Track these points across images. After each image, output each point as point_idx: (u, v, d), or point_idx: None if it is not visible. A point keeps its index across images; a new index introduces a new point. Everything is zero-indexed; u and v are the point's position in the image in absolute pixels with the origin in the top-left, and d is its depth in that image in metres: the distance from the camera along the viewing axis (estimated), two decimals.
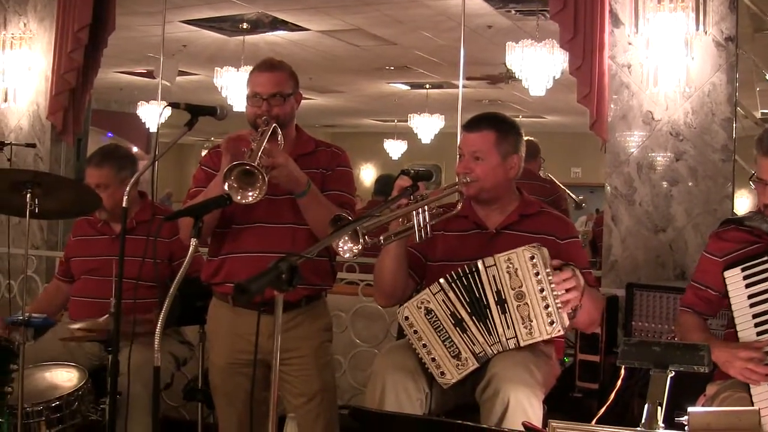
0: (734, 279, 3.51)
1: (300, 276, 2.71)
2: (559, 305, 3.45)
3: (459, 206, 3.72)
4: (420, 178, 3.53)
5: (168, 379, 4.70)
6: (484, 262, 3.52)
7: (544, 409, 3.47)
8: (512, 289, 3.48)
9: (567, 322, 3.49)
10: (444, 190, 3.73)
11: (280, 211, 3.95)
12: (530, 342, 3.49)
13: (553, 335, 3.50)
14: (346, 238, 3.18)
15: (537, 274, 3.45)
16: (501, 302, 3.50)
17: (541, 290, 3.45)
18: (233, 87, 11.16)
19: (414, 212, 3.47)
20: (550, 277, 3.45)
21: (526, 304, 3.47)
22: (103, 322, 4.18)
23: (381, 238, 3.41)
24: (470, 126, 3.88)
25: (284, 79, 4.05)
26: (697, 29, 5.33)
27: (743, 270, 3.49)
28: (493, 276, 3.51)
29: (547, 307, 3.45)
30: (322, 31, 10.92)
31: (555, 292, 3.45)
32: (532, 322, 3.47)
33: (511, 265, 3.48)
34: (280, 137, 3.91)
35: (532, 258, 3.46)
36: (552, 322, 3.45)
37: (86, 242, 4.96)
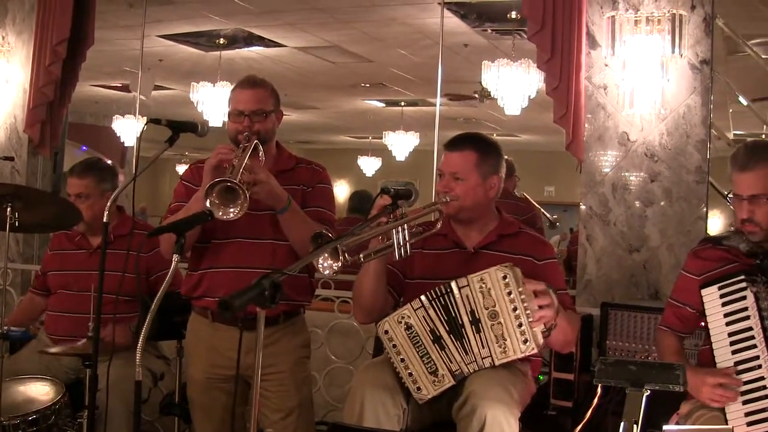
0: (711, 297, 3.55)
1: (283, 293, 2.74)
2: (533, 323, 3.48)
3: (438, 225, 3.75)
4: (400, 197, 3.56)
5: (145, 394, 4.70)
6: (457, 283, 3.55)
7: (520, 427, 3.50)
8: (486, 309, 3.51)
9: (541, 341, 3.53)
10: (424, 209, 3.76)
11: (261, 226, 3.97)
12: (505, 361, 3.51)
13: (527, 353, 3.52)
14: (327, 255, 3.20)
15: (510, 293, 3.48)
16: (475, 322, 3.53)
17: (514, 309, 3.48)
18: (209, 102, 11.15)
19: (393, 230, 3.50)
20: (522, 296, 3.48)
21: (500, 323, 3.49)
22: (81, 346, 4.17)
23: (361, 255, 3.43)
24: (452, 146, 3.91)
25: (266, 97, 4.08)
26: (673, 52, 5.38)
27: (720, 288, 3.53)
28: (467, 296, 3.54)
29: (520, 326, 3.47)
30: (299, 48, 10.94)
31: (528, 311, 3.47)
32: (506, 341, 3.49)
33: (483, 285, 3.51)
34: (261, 154, 3.94)
35: (504, 277, 3.49)
36: (526, 341, 3.48)
37: (63, 256, 4.95)
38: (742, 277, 3.49)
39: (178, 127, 3.89)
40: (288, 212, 3.87)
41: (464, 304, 3.54)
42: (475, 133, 4.01)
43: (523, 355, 3.52)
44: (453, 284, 3.56)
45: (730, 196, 3.63)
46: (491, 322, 3.51)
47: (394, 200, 3.56)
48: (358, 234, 3.30)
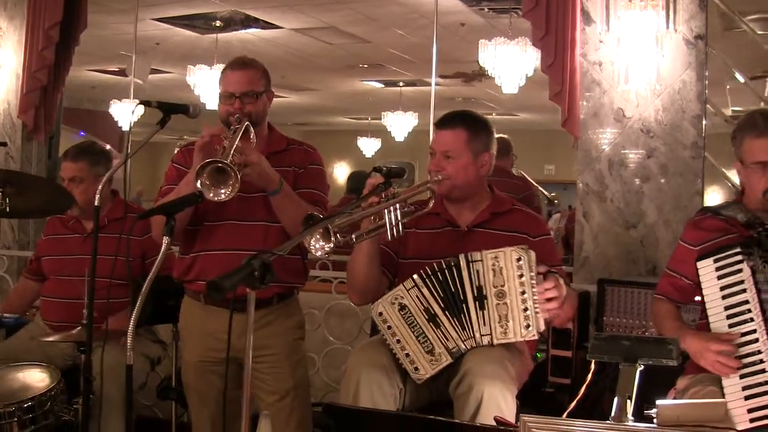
0: (707, 270, 3.50)
1: (273, 273, 2.72)
2: (538, 310, 3.47)
3: (431, 204, 3.73)
4: (392, 175, 3.54)
5: (142, 378, 4.70)
6: (468, 257, 3.54)
7: (517, 404, 3.49)
8: (494, 287, 3.51)
9: (543, 327, 3.52)
10: (416, 188, 3.75)
11: (253, 208, 3.96)
12: (504, 341, 3.51)
13: (527, 338, 3.52)
14: (318, 236, 3.19)
15: (521, 276, 3.47)
16: (481, 298, 3.52)
17: (523, 293, 3.47)
18: (206, 85, 11.12)
19: (386, 210, 3.48)
20: (533, 281, 3.48)
21: (506, 303, 3.49)
22: (77, 333, 4.15)
23: (353, 236, 3.42)
24: (442, 124, 3.90)
25: (257, 77, 4.05)
26: (668, 27, 5.36)
27: (716, 261, 3.47)
28: (477, 271, 3.53)
29: (525, 310, 3.47)
30: (296, 29, 10.90)
31: (535, 297, 3.47)
32: (508, 322, 3.49)
33: (496, 263, 3.50)
34: (252, 135, 3.91)
35: (518, 259, 3.48)
36: (528, 326, 3.47)
37: (58, 241, 4.94)
38: (738, 249, 3.43)
39: (168, 109, 3.87)
40: (280, 194, 3.85)
41: (471, 280, 3.53)
42: (466, 111, 3.98)
43: (522, 339, 3.52)
44: (462, 258, 3.55)
45: (747, 166, 3.56)
46: (497, 301, 3.50)
47: (387, 179, 3.55)
48: (349, 214, 3.29)
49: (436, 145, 3.85)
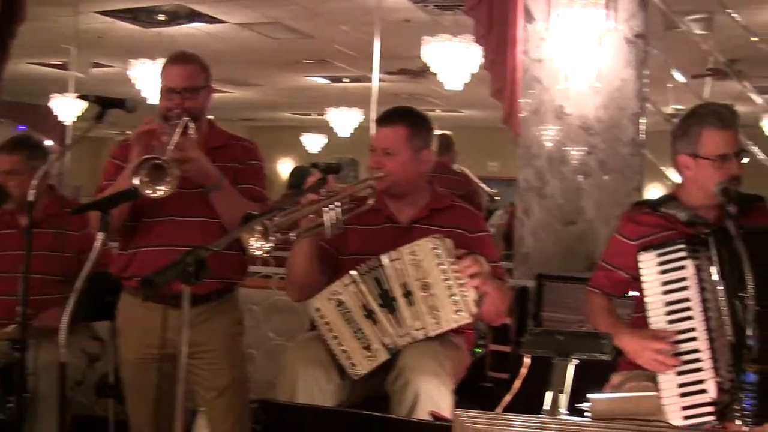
0: (648, 264, 3.48)
1: (207, 269, 2.71)
2: (465, 293, 3.49)
3: (370, 201, 3.74)
4: (329, 170, 3.54)
5: (79, 376, 4.64)
6: (389, 256, 3.55)
7: (456, 399, 3.50)
8: (417, 281, 3.51)
9: (474, 310, 3.52)
10: (356, 186, 3.74)
11: (192, 204, 3.93)
12: (439, 331, 3.51)
13: (461, 323, 3.53)
14: (257, 235, 3.18)
15: (440, 264, 3.48)
16: (408, 294, 3.53)
17: (446, 280, 3.48)
18: (147, 79, 11.03)
19: (326, 207, 3.48)
20: (453, 267, 3.48)
21: (433, 294, 3.50)
22: (11, 331, 4.10)
23: (292, 234, 3.41)
24: (382, 121, 3.90)
25: (196, 72, 4.03)
26: (608, 26, 5.41)
27: (659, 255, 3.46)
28: (399, 269, 3.53)
29: (452, 296, 3.48)
30: (240, 24, 10.87)
31: (460, 281, 3.48)
32: (439, 312, 3.50)
33: (414, 257, 3.51)
34: (191, 131, 3.88)
35: (434, 249, 3.49)
36: (458, 311, 3.48)
37: None
38: (683, 246, 3.42)
39: (105, 103, 3.82)
40: (219, 190, 3.84)
41: (397, 277, 3.54)
42: (406, 108, 3.99)
43: (456, 324, 3.53)
44: (384, 257, 3.55)
45: (704, 158, 3.54)
46: (423, 293, 3.50)
47: (325, 173, 3.55)
48: (288, 212, 3.28)
49: (377, 142, 3.86)
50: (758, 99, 7.09)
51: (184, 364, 2.81)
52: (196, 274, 2.66)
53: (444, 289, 3.49)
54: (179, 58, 4.06)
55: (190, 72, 4.01)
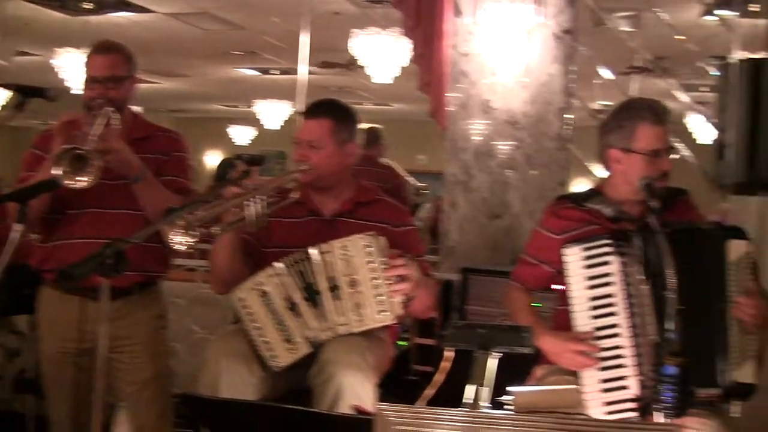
0: (574, 258, 3.46)
1: (127, 262, 2.68)
2: (392, 294, 3.49)
3: (295, 193, 3.72)
4: (253, 162, 3.53)
5: None
6: (319, 248, 3.53)
7: (380, 393, 3.50)
8: (345, 276, 3.51)
9: (399, 312, 3.53)
10: (280, 178, 3.73)
11: (114, 196, 3.88)
12: (361, 329, 3.52)
13: (384, 324, 3.54)
14: (178, 229, 3.15)
15: (371, 263, 3.48)
16: (334, 288, 3.52)
17: (374, 279, 3.48)
18: (72, 68, 10.88)
19: (249, 200, 3.46)
20: (383, 267, 3.49)
21: (359, 292, 3.50)
22: None
23: (214, 228, 3.39)
24: (308, 113, 3.89)
25: (120, 62, 3.98)
26: (536, 21, 5.44)
27: (584, 250, 3.44)
28: (329, 262, 3.52)
29: (379, 295, 3.48)
30: (169, 14, 10.77)
31: (388, 281, 3.48)
32: (364, 310, 3.50)
33: (345, 252, 3.50)
34: (115, 121, 3.83)
35: (367, 246, 3.49)
36: (383, 311, 3.49)
37: None
38: (609, 241, 3.41)
39: (25, 92, 3.75)
40: (142, 182, 3.80)
41: (324, 270, 3.53)
42: (331, 100, 3.97)
43: (380, 324, 3.54)
44: (312, 250, 3.53)
45: (637, 151, 3.55)
46: (350, 290, 3.50)
47: (248, 165, 3.53)
48: (211, 205, 3.26)
49: (302, 135, 3.84)
50: (683, 96, 7.20)
51: (102, 357, 2.77)
52: (115, 267, 2.63)
53: (371, 287, 3.49)
54: (103, 48, 4.01)
55: (113, 61, 3.96)
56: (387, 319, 3.51)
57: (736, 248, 3.40)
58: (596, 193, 3.70)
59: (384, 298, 3.48)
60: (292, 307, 3.54)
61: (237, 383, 3.47)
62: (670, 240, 3.21)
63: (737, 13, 8.36)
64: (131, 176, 3.79)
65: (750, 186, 4.30)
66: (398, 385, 4.23)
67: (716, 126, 4.49)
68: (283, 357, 3.52)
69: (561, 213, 3.74)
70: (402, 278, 3.51)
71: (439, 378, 3.12)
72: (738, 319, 3.33)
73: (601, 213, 3.61)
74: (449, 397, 3.27)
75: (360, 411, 3.04)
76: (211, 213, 3.28)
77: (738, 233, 3.46)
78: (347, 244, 3.51)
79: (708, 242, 3.42)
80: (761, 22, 4.44)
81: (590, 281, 3.43)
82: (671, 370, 3.07)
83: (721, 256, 3.39)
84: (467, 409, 2.68)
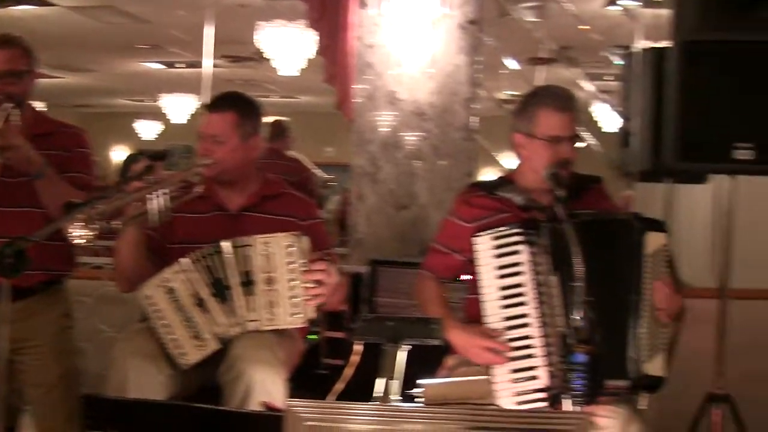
0: (484, 246, 3.44)
1: (28, 260, 2.63)
2: (307, 298, 3.49)
3: (199, 188, 3.68)
4: (156, 157, 3.49)
5: None
6: (234, 242, 3.51)
7: (290, 387, 3.48)
8: (263, 273, 3.49)
9: (312, 315, 3.53)
10: (182, 173, 3.69)
11: (15, 194, 3.80)
12: (271, 328, 3.51)
13: (295, 326, 3.55)
14: (79, 223, 3.10)
15: (291, 263, 3.48)
16: (248, 284, 3.50)
17: (292, 280, 3.48)
18: None
19: (152, 195, 3.42)
20: (303, 269, 3.48)
21: (275, 290, 3.48)
22: None
23: (115, 222, 3.34)
24: (211, 107, 3.85)
25: (18, 56, 3.89)
26: (442, 12, 5.45)
27: (494, 239, 3.43)
28: (246, 256, 3.51)
29: (293, 297, 3.48)
30: (71, 7, 10.59)
31: (305, 284, 3.48)
32: (276, 309, 3.49)
33: (267, 249, 3.49)
34: (14, 117, 3.75)
35: (289, 246, 3.48)
36: (295, 314, 3.49)
37: None
38: (519, 230, 3.41)
39: None
40: (43, 179, 3.72)
41: (236, 265, 3.51)
42: (235, 93, 3.95)
43: (290, 326, 3.54)
44: (225, 243, 3.51)
45: (539, 138, 3.53)
46: (266, 287, 3.49)
47: (152, 160, 3.49)
48: (112, 199, 3.21)
49: (205, 129, 3.80)
50: (588, 85, 7.30)
51: (3, 360, 2.70)
52: (15, 266, 2.57)
53: (287, 288, 3.48)
54: (0, 42, 3.91)
55: (11, 55, 3.87)
56: (298, 321, 3.51)
57: (654, 240, 3.43)
58: (507, 181, 3.71)
59: (298, 300, 3.48)
60: (200, 303, 3.51)
61: (145, 382, 3.42)
62: (586, 229, 3.24)
63: (640, 3, 8.50)
64: (32, 173, 3.71)
65: (655, 173, 4.35)
66: (308, 379, 4.21)
67: (621, 114, 4.54)
68: (191, 354, 3.49)
69: (472, 201, 3.72)
70: (319, 283, 3.51)
71: (348, 372, 3.12)
72: (651, 312, 3.36)
73: (512, 201, 3.62)
74: (360, 391, 3.27)
75: (270, 408, 3.02)
76: (111, 207, 3.23)
77: (657, 225, 3.49)
78: (270, 240, 3.50)
79: (626, 233, 3.44)
80: (663, 11, 4.51)
81: (500, 270, 3.42)
82: (581, 357, 3.09)
83: (638, 247, 3.41)
84: (378, 403, 2.67)
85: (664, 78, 4.08)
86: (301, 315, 3.49)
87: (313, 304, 3.52)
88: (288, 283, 3.48)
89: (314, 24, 5.73)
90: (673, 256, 3.50)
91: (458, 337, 3.48)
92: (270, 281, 3.48)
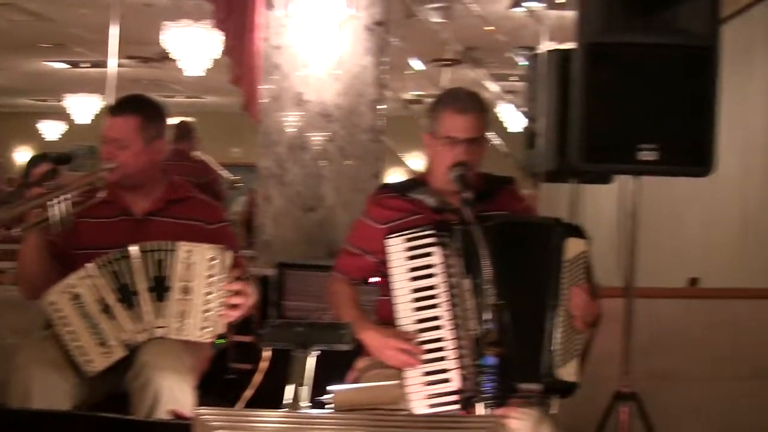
0: (396, 248, 3.42)
1: None
2: (221, 313, 3.47)
3: (102, 193, 3.62)
4: (59, 161, 3.42)
5: None
6: (142, 247, 3.47)
7: (199, 394, 3.45)
8: (181, 281, 3.45)
9: (221, 331, 3.51)
10: (85, 177, 3.62)
11: None
12: (178, 338, 3.47)
13: (202, 340, 3.50)
14: None
15: (211, 276, 3.45)
16: (161, 290, 3.47)
17: (208, 294, 3.45)
18: None
19: (54, 201, 3.35)
20: (221, 284, 3.46)
21: (188, 300, 3.45)
22: None
23: (15, 230, 3.28)
24: (114, 110, 3.79)
25: None
26: (348, 13, 5.46)
27: (407, 240, 3.41)
28: (160, 261, 3.47)
29: (207, 311, 3.45)
30: None
31: (220, 300, 3.45)
32: (187, 319, 3.45)
33: (188, 257, 3.46)
34: None
35: (212, 259, 3.45)
36: (206, 328, 3.46)
37: None
38: (432, 232, 3.39)
39: None
40: None
41: (149, 270, 3.47)
42: (138, 96, 3.89)
43: (198, 339, 3.49)
44: (133, 248, 3.47)
45: (440, 139, 3.53)
46: (180, 296, 3.45)
47: (55, 164, 3.42)
48: (9, 205, 3.15)
49: (108, 132, 3.73)
50: (493, 86, 7.36)
51: None
52: None
53: (202, 301, 3.45)
54: None
55: None
56: (207, 336, 3.48)
57: (574, 246, 3.45)
58: (419, 183, 3.70)
59: (211, 314, 3.45)
60: (106, 310, 3.45)
61: (50, 391, 3.36)
62: (504, 232, 3.29)
63: (544, 5, 8.59)
64: None
65: (560, 174, 4.41)
66: (217, 384, 4.18)
67: (526, 115, 4.59)
68: (97, 361, 3.43)
69: (384, 202, 3.70)
70: (235, 305, 3.50)
71: (257, 378, 3.09)
72: (567, 318, 3.38)
73: (425, 203, 3.61)
74: (269, 397, 3.25)
75: (178, 416, 2.99)
76: (10, 214, 3.16)
77: (578, 232, 3.51)
78: (194, 249, 3.47)
79: (546, 238, 3.45)
80: (568, 13, 4.57)
81: (413, 272, 3.40)
82: (491, 360, 3.10)
83: (557, 253, 3.42)
84: (287, 410, 2.66)
85: (569, 79, 4.14)
86: (211, 330, 3.46)
87: (225, 321, 3.49)
88: (204, 296, 3.44)
89: (220, 24, 5.68)
90: (591, 263, 3.51)
91: (372, 338, 3.46)
92: (186, 290, 3.44)
